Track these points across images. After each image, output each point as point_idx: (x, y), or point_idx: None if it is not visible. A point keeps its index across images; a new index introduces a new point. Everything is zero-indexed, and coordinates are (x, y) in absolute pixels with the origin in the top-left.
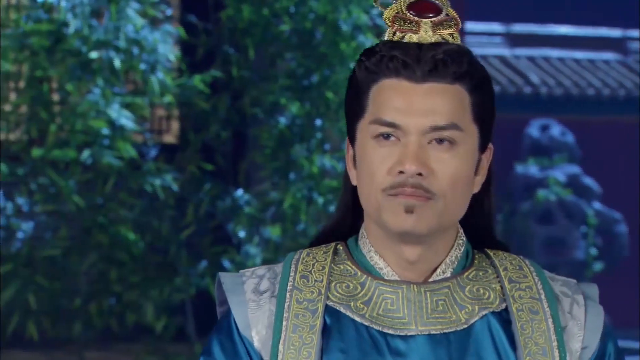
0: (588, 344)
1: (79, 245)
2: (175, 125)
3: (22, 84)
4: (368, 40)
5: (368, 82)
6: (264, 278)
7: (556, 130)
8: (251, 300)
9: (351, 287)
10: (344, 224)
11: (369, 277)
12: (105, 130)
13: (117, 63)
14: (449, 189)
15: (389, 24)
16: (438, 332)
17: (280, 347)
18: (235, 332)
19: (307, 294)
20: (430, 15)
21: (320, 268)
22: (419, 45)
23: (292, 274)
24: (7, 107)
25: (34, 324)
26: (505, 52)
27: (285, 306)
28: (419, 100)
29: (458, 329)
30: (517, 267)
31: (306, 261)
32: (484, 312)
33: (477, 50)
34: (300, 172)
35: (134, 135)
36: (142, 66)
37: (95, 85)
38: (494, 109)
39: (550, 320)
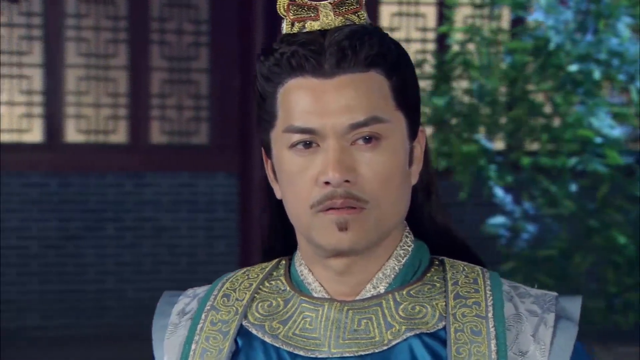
0: None
1: (576, 247)
2: None
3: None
4: None
5: (273, 85)
6: (196, 297)
7: None
8: (171, 324)
9: (274, 305)
10: (276, 238)
11: (296, 294)
12: (598, 139)
13: (596, 75)
14: (381, 192)
15: (284, 13)
16: (352, 355)
17: None
18: None
19: (224, 315)
20: None
21: (247, 285)
22: (323, 33)
23: (215, 292)
24: (503, 120)
25: None
26: None
27: (198, 328)
28: (332, 97)
29: (376, 350)
30: (472, 281)
31: (236, 279)
32: (409, 334)
33: None
34: None
35: (628, 144)
36: (621, 77)
37: (578, 96)
38: (417, 88)
39: (493, 343)
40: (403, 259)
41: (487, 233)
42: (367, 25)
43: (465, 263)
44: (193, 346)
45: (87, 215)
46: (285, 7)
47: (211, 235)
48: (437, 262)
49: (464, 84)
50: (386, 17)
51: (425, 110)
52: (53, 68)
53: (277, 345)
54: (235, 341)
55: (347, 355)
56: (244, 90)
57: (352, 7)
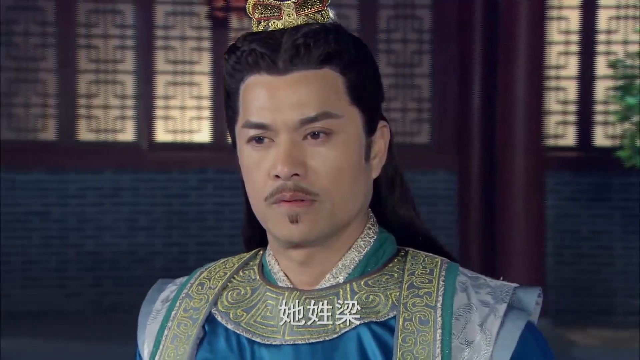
0: None
1: None
2: None
3: None
4: None
5: (235, 82)
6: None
7: None
8: (154, 311)
9: (242, 294)
10: (252, 229)
11: (263, 283)
12: None
13: None
14: (332, 185)
15: (250, 12)
16: (304, 342)
17: (157, 358)
18: (137, 351)
19: (196, 302)
20: None
21: (222, 275)
22: (282, 32)
23: (192, 281)
24: None
25: None
26: None
27: (172, 315)
28: (283, 93)
29: (327, 338)
30: (428, 271)
31: (213, 268)
32: (358, 322)
33: None
34: None
35: None
36: None
37: None
38: (376, 85)
39: (439, 332)
40: (364, 250)
41: None
42: (328, 24)
43: (428, 254)
44: (166, 332)
45: None
46: (252, 6)
47: (433, 227)
48: (402, 254)
49: None
50: (604, 20)
51: (617, 108)
52: None
53: (238, 332)
54: (203, 328)
55: (299, 342)
56: (463, 93)
57: (315, 6)
